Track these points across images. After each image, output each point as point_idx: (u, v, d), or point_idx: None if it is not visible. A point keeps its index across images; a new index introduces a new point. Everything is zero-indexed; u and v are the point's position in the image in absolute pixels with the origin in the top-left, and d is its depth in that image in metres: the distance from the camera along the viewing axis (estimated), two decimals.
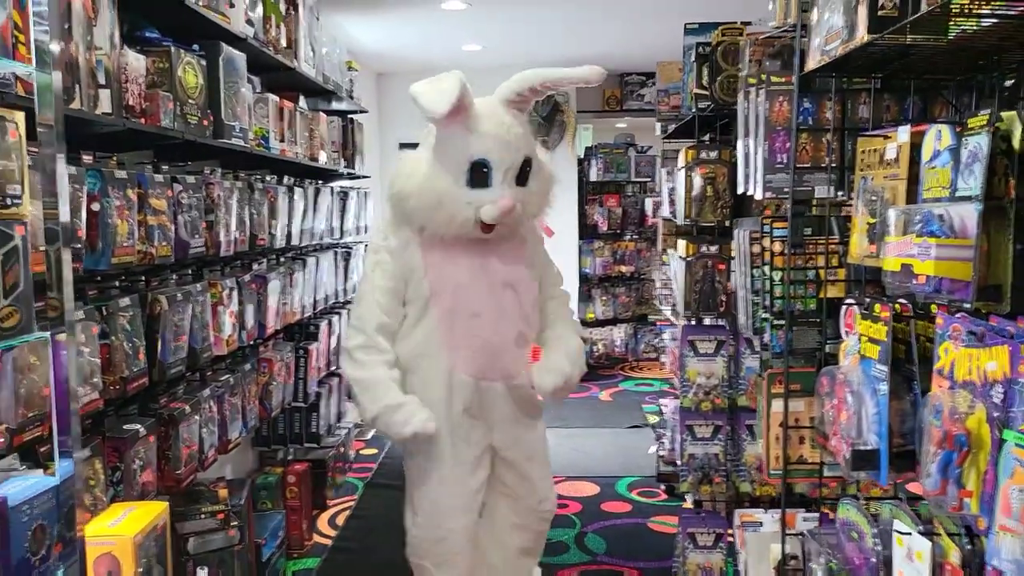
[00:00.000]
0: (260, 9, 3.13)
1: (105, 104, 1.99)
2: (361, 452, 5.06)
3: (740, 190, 2.13)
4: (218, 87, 2.62)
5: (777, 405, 1.87)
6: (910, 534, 1.46)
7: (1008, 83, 1.64)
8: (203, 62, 2.52)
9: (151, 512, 1.67)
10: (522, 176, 2.36)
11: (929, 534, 1.44)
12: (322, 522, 3.93)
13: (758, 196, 1.91)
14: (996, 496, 1.08)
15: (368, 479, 4.57)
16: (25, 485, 1.21)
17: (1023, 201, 1.24)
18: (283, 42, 3.39)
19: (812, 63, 1.66)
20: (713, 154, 2.83)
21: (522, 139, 2.36)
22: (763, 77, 1.87)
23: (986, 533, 1.11)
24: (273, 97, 3.25)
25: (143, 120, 2.17)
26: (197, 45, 2.53)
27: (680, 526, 3.02)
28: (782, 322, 1.88)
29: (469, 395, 2.42)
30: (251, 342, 2.94)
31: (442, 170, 2.32)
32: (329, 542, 3.71)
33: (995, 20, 1.24)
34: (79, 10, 1.86)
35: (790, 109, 1.81)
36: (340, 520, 3.97)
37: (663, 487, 4.31)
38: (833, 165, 1.80)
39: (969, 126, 1.32)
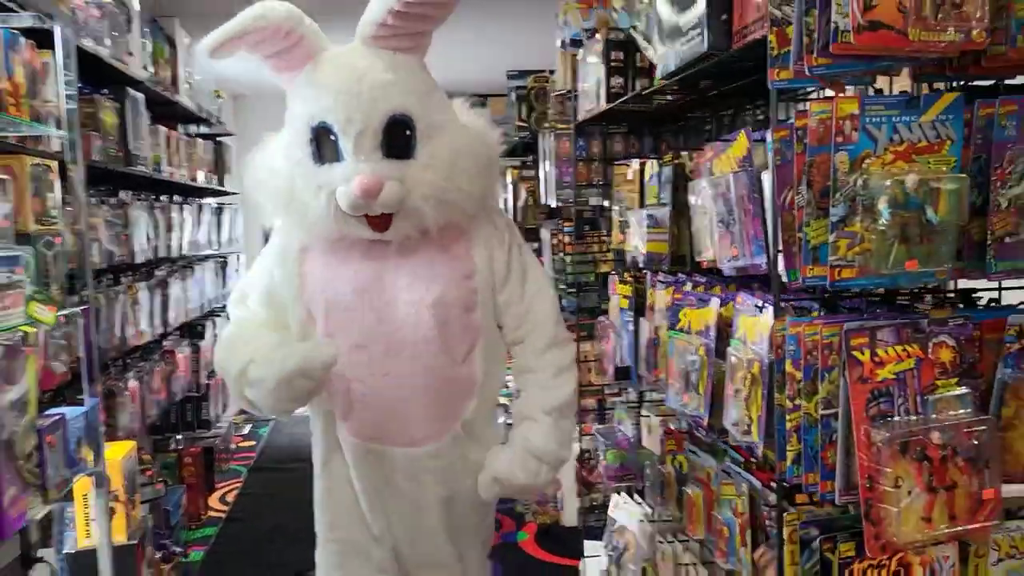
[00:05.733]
0: (150, 49, 3.67)
1: (55, 145, 2.54)
2: (240, 445, 5.57)
3: (543, 201, 2.97)
4: (126, 124, 3.18)
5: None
6: (649, 416, 2.33)
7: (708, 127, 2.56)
8: (116, 104, 3.07)
9: (125, 447, 2.27)
10: (396, 142, 1.62)
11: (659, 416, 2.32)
12: (213, 500, 4.45)
13: (553, 204, 2.76)
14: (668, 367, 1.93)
15: (250, 465, 5.10)
16: (70, 411, 1.83)
17: (691, 206, 2.11)
18: (169, 79, 3.94)
19: (581, 115, 2.51)
20: (532, 173, 3.67)
21: (385, 88, 1.60)
22: (551, 124, 2.72)
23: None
24: (163, 128, 3.80)
25: None
26: (107, 89, 3.08)
27: None
28: (574, 290, 2.74)
29: (356, 461, 1.78)
30: (157, 337, 3.49)
31: (291, 147, 1.67)
32: (223, 515, 4.25)
33: (666, 101, 2.11)
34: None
35: (571, 145, 2.67)
36: (230, 498, 4.51)
37: None
38: (600, 183, 2.67)
39: (664, 160, 2.19)
